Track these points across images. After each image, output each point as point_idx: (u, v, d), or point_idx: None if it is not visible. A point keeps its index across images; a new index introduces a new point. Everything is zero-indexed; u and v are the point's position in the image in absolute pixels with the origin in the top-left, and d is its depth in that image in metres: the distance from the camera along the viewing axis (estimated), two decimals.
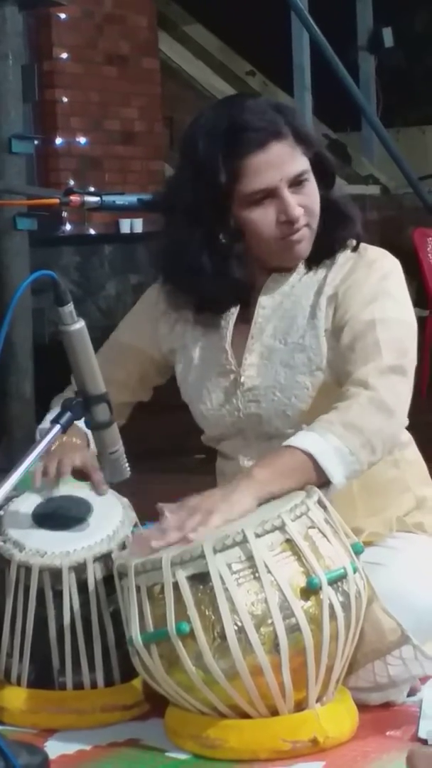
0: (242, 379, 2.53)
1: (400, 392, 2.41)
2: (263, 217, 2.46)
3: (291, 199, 2.45)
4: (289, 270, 2.54)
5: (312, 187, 2.49)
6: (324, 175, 2.52)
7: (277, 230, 2.46)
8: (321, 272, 2.54)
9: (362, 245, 2.55)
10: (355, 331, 2.44)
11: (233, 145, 2.42)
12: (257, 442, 2.55)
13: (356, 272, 2.51)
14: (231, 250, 2.47)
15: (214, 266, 2.47)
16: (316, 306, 2.51)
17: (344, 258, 2.53)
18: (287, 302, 2.54)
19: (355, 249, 2.54)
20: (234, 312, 2.57)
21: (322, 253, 2.53)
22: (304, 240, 2.49)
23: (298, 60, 9.79)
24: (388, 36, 10.53)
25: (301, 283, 2.54)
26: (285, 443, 2.33)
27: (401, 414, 2.41)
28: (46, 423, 2.59)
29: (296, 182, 2.46)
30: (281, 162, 2.44)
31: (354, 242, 2.54)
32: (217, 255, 2.47)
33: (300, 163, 2.46)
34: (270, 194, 2.44)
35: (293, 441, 2.32)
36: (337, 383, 2.46)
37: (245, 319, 2.56)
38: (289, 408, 2.50)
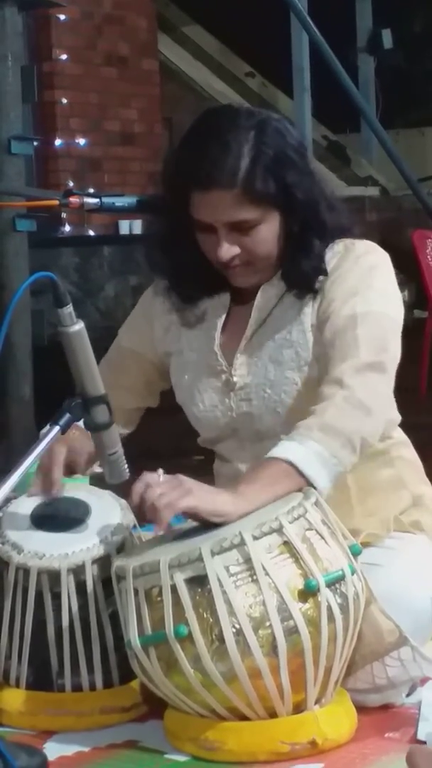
0: (234, 379, 2.54)
1: (377, 389, 2.39)
2: (204, 243, 2.48)
3: (224, 240, 2.44)
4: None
5: (260, 234, 2.45)
6: (300, 215, 2.46)
7: (215, 258, 2.47)
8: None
9: (350, 240, 2.53)
10: (336, 327, 2.43)
11: (187, 175, 2.43)
12: (251, 443, 2.55)
13: (342, 267, 2.49)
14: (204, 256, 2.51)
15: (199, 260, 2.50)
16: (303, 301, 2.50)
17: (331, 254, 2.52)
18: (279, 304, 2.54)
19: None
20: (222, 316, 2.57)
21: (297, 282, 2.50)
22: (245, 275, 2.50)
23: (297, 61, 9.79)
24: (387, 37, 10.53)
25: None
26: (267, 455, 2.32)
27: (379, 411, 2.39)
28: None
29: (239, 228, 2.44)
30: (217, 208, 2.42)
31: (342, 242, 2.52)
32: (199, 256, 2.51)
33: (242, 213, 2.42)
34: (209, 229, 2.45)
35: (275, 452, 2.31)
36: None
37: (235, 319, 2.57)
38: (279, 405, 2.50)
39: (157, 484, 2.25)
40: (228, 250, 2.44)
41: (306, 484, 2.30)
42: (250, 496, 2.28)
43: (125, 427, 2.71)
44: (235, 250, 2.44)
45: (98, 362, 2.33)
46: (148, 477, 2.27)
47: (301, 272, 2.49)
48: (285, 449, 2.30)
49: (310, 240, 2.49)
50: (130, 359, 2.70)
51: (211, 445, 2.64)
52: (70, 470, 2.58)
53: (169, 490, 2.24)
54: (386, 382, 2.42)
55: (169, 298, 2.61)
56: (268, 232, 2.46)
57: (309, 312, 2.50)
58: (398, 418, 2.57)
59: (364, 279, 2.46)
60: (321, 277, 2.49)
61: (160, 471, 2.30)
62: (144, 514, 2.26)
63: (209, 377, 2.57)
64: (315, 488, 2.30)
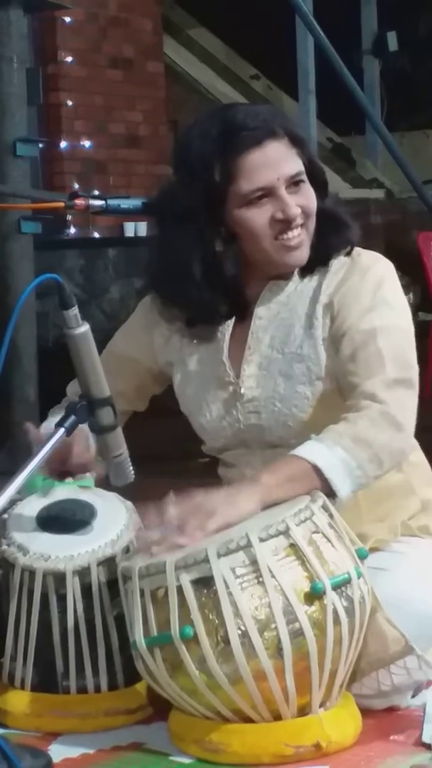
0: (242, 391, 2.52)
1: (408, 406, 2.40)
2: (258, 216, 2.44)
3: (289, 198, 2.44)
4: (285, 278, 2.53)
5: (309, 189, 2.48)
6: (316, 183, 2.51)
7: (272, 229, 2.45)
8: (315, 279, 2.52)
9: (355, 250, 2.54)
10: (356, 342, 2.42)
11: (228, 145, 2.41)
12: (261, 451, 2.54)
13: (350, 280, 2.49)
14: (225, 255, 2.46)
15: (204, 272, 2.46)
16: (313, 315, 2.50)
17: (338, 264, 2.52)
18: (284, 311, 2.53)
19: (348, 254, 2.53)
20: (230, 324, 2.55)
21: (316, 261, 2.51)
22: (302, 246, 2.48)
23: (302, 64, 9.78)
24: (392, 40, 10.52)
25: (296, 290, 2.53)
26: (293, 452, 2.32)
27: (409, 428, 2.40)
28: (43, 429, 2.59)
29: (293, 182, 2.45)
30: (278, 161, 2.43)
31: (348, 248, 2.53)
32: (209, 260, 2.46)
33: (297, 163, 2.46)
34: (267, 193, 2.43)
35: (301, 451, 2.31)
36: (337, 392, 2.46)
37: (242, 330, 2.55)
38: (290, 418, 2.49)
39: (177, 517, 2.25)
40: (295, 207, 2.44)
41: (325, 488, 2.29)
42: (273, 488, 2.28)
43: None
44: (298, 208, 2.45)
45: None
46: (168, 517, 2.27)
47: (329, 245, 2.50)
48: (312, 451, 2.30)
49: (341, 215, 2.53)
50: (126, 365, 2.67)
51: (216, 453, 2.63)
52: (83, 469, 2.57)
53: (191, 518, 2.24)
54: (413, 398, 2.42)
55: (169, 312, 2.59)
56: (311, 191, 2.49)
57: (319, 325, 2.49)
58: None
59: (376, 293, 2.47)
60: (331, 285, 2.49)
61: (171, 495, 2.29)
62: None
63: (216, 389, 2.56)
64: (336, 495, 2.30)
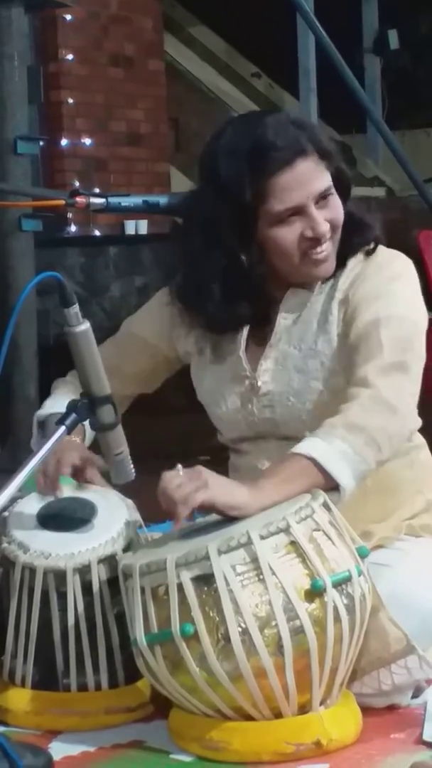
0: (258, 384, 2.54)
1: (402, 387, 2.39)
2: (288, 234, 2.45)
3: (318, 216, 2.45)
4: (310, 286, 2.54)
5: (336, 201, 2.49)
6: (342, 189, 2.52)
7: (301, 246, 2.46)
8: (333, 278, 2.53)
9: (378, 248, 2.55)
10: (359, 331, 2.43)
11: (259, 165, 2.41)
12: (276, 443, 2.54)
13: (365, 275, 2.51)
14: (252, 270, 2.47)
15: (228, 287, 2.47)
16: (328, 311, 2.51)
17: (354, 262, 2.53)
18: (304, 311, 2.54)
19: (370, 253, 2.53)
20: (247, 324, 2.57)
21: (337, 262, 2.53)
22: (329, 259, 2.49)
23: (303, 62, 9.77)
24: (393, 38, 10.51)
25: (319, 291, 2.54)
26: (291, 450, 2.32)
27: (405, 410, 2.39)
28: (45, 409, 2.60)
29: (322, 197, 2.46)
30: (308, 179, 2.44)
31: (371, 246, 2.54)
32: (234, 274, 2.46)
33: (325, 179, 2.47)
34: (297, 212, 2.44)
35: (298, 448, 2.31)
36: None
37: (261, 326, 2.56)
38: (304, 413, 2.50)
39: (176, 476, 2.25)
40: (324, 223, 2.45)
41: (327, 480, 2.29)
42: (269, 490, 2.28)
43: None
44: (327, 224, 2.46)
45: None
46: (167, 474, 2.27)
47: (350, 246, 2.52)
48: (308, 445, 2.31)
49: (362, 217, 2.54)
50: (143, 349, 2.70)
51: (232, 443, 2.65)
52: (80, 474, 2.57)
53: (187, 481, 2.24)
54: (411, 381, 2.41)
55: (187, 314, 2.60)
56: (338, 203, 2.50)
57: (334, 320, 2.50)
58: (419, 421, 2.55)
59: (386, 284, 2.48)
60: (347, 281, 2.50)
61: (179, 467, 2.29)
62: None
63: (233, 382, 2.57)
64: (338, 485, 2.30)
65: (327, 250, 2.48)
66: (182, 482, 2.24)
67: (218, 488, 2.26)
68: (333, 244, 2.50)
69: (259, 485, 2.29)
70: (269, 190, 2.42)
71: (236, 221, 2.44)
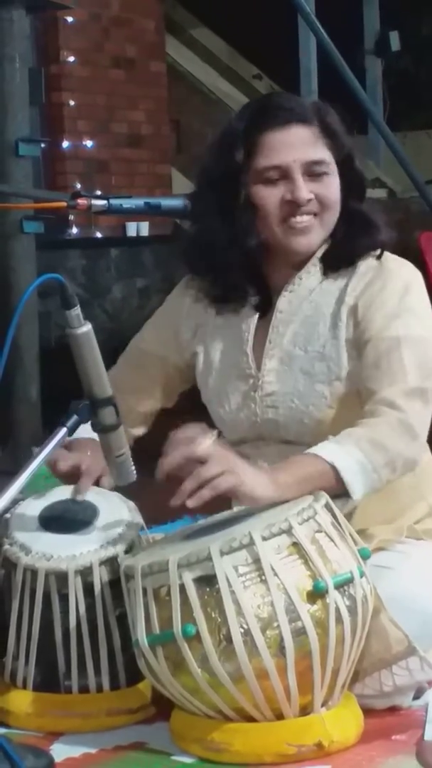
0: (261, 383, 2.54)
1: (423, 416, 2.42)
2: (270, 196, 2.47)
3: (301, 182, 2.46)
4: (304, 268, 2.54)
5: (332, 182, 2.50)
6: (350, 183, 2.52)
7: (281, 211, 2.47)
8: (342, 280, 2.53)
9: (384, 254, 2.54)
10: (379, 349, 2.43)
11: (256, 120, 2.47)
12: (276, 447, 2.54)
13: (376, 284, 2.50)
14: (244, 224, 2.49)
15: (227, 241, 2.49)
16: (337, 316, 2.51)
17: (365, 267, 2.53)
18: (307, 307, 2.54)
19: (378, 257, 2.53)
20: (254, 318, 2.57)
21: (341, 260, 2.53)
22: (311, 232, 2.49)
23: (305, 63, 9.78)
24: (394, 40, 10.50)
25: (321, 288, 2.54)
26: (311, 450, 2.32)
27: (423, 438, 2.42)
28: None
29: (314, 172, 2.47)
30: (298, 144, 2.46)
31: (378, 251, 2.54)
32: (229, 228, 2.49)
33: (319, 152, 2.48)
34: (283, 175, 2.46)
35: (319, 450, 2.31)
36: (354, 394, 2.46)
37: (265, 325, 2.56)
38: (306, 416, 2.50)
39: (208, 457, 2.23)
40: (306, 191, 2.45)
41: (340, 488, 2.30)
42: (290, 488, 2.28)
43: (139, 427, 2.71)
44: (310, 194, 2.46)
45: (105, 364, 2.32)
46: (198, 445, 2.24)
47: (356, 247, 2.52)
48: (331, 451, 2.31)
49: (372, 218, 2.54)
50: (153, 362, 2.70)
51: (234, 446, 2.64)
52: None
53: (216, 466, 2.22)
54: (428, 409, 2.43)
55: (204, 295, 2.61)
56: (335, 185, 2.50)
57: (343, 326, 2.50)
58: (427, 447, 2.53)
59: (402, 300, 2.47)
60: (358, 287, 2.49)
61: (213, 432, 2.28)
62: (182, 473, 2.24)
63: (237, 380, 2.57)
64: (350, 496, 2.31)
65: (308, 222, 2.48)
66: (212, 465, 2.22)
67: (245, 477, 2.24)
68: (320, 223, 2.50)
69: (280, 481, 2.28)
70: (258, 145, 2.47)
71: (228, 175, 2.47)
